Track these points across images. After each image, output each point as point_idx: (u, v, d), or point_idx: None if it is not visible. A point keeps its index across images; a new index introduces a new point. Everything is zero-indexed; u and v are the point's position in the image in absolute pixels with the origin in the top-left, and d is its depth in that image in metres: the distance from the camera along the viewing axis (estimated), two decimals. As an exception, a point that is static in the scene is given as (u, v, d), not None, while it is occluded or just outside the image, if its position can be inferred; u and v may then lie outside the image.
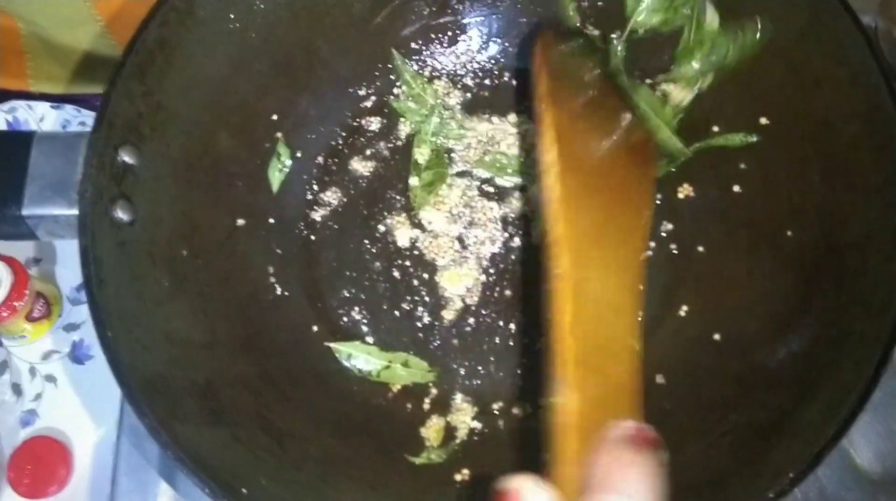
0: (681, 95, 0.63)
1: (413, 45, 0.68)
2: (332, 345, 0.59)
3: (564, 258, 0.43)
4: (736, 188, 0.61)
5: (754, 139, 0.60)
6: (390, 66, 0.67)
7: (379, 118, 0.67)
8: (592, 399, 0.40)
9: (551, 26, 0.63)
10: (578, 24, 0.65)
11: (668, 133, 0.62)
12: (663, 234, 0.63)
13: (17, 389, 0.70)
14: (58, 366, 0.71)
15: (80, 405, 0.70)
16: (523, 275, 0.63)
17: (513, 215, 0.64)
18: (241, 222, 0.61)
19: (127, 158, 0.53)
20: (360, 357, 0.59)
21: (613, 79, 0.61)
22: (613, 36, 0.64)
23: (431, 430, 0.57)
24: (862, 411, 0.45)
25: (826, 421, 0.45)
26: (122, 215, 0.52)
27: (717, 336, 0.57)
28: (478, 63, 0.69)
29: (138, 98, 0.54)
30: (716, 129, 0.62)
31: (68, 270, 0.75)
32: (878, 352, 0.46)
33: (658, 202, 0.63)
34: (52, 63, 0.77)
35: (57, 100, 0.78)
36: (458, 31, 0.68)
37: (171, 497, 0.61)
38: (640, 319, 0.44)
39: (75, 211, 0.50)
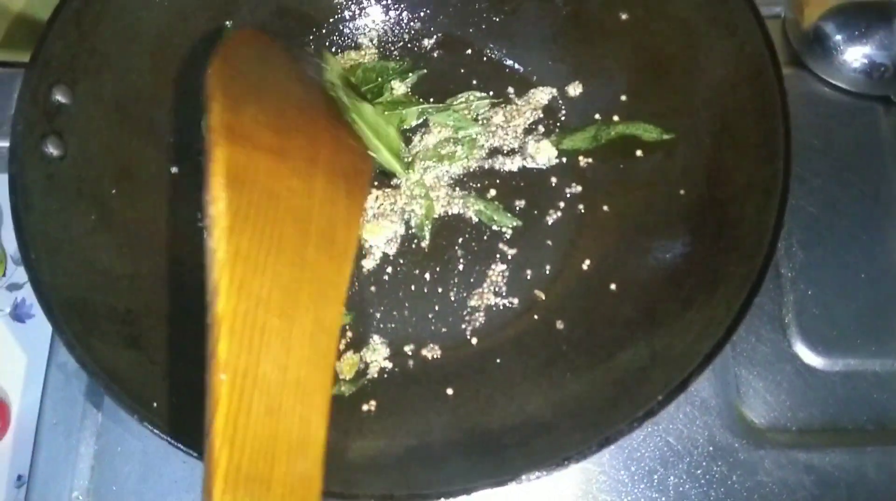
0: None
1: (346, 11, 0.71)
2: None
3: (223, 344, 0.34)
4: (638, 153, 0.65)
5: (670, 137, 0.63)
6: (324, 30, 0.71)
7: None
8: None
9: (239, 34, 0.54)
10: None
11: (387, 156, 0.63)
12: (570, 195, 0.67)
13: (-43, 344, 0.70)
14: (-1, 324, 0.72)
15: (19, 364, 0.71)
16: (440, 228, 0.66)
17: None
18: (174, 169, 0.64)
19: (60, 97, 0.55)
20: None
21: (330, 93, 0.53)
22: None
23: (345, 364, 0.60)
24: (727, 343, 0.49)
25: (695, 353, 0.49)
26: (52, 149, 0.55)
27: (613, 286, 0.61)
28: (408, 33, 0.72)
29: (73, 41, 0.56)
30: (616, 118, 0.67)
31: (12, 231, 0.76)
32: (745, 290, 0.50)
33: (564, 167, 0.67)
34: (1, 29, 0.75)
35: (7, 66, 0.75)
36: (390, 0, 0.72)
37: (92, 454, 0.62)
38: (329, 394, 0.36)
39: (6, 143, 0.53)
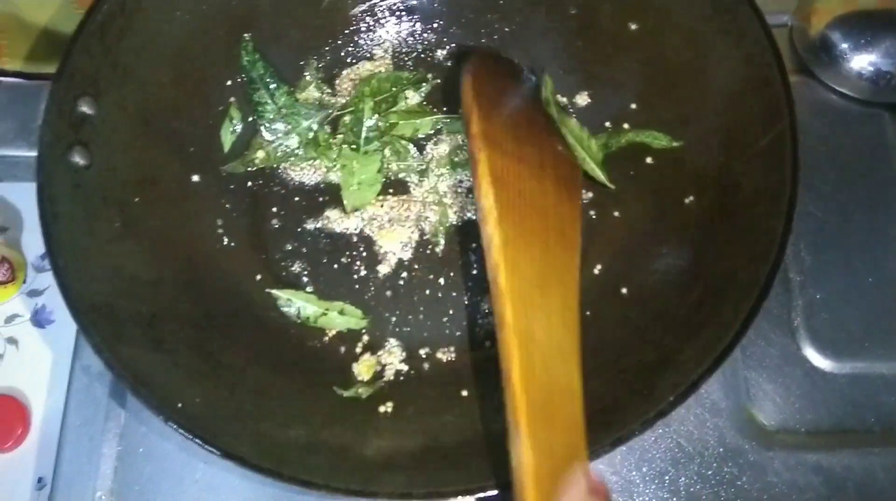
0: None
1: (361, 23, 0.73)
2: (272, 292, 0.63)
3: (509, 311, 0.41)
4: (648, 160, 0.66)
5: (679, 145, 0.64)
6: (339, 41, 0.72)
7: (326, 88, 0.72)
8: (545, 451, 0.39)
9: (479, 53, 0.63)
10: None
11: (592, 165, 0.66)
12: (584, 201, 0.67)
13: (-22, 350, 0.72)
14: (20, 329, 0.73)
15: (40, 368, 0.71)
16: (454, 234, 0.68)
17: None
18: (195, 177, 0.66)
19: (85, 108, 0.57)
20: (299, 304, 0.63)
21: (545, 109, 0.60)
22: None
23: (363, 365, 0.61)
24: (737, 346, 0.50)
25: (705, 356, 0.50)
26: (78, 159, 0.56)
27: (624, 290, 0.62)
28: (421, 44, 0.74)
29: (98, 55, 0.58)
30: (626, 125, 0.68)
31: (34, 238, 0.76)
32: (754, 294, 0.51)
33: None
34: (27, 42, 0.79)
35: (16, 76, 0.78)
36: (404, 12, 0.73)
37: (115, 456, 0.63)
38: (579, 356, 0.43)
39: (34, 153, 0.55)
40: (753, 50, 0.58)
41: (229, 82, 0.68)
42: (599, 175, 0.66)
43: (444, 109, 0.71)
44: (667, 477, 0.62)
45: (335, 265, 0.66)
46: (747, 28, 0.59)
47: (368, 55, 0.73)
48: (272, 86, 0.69)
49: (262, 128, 0.69)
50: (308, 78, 0.71)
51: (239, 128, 0.69)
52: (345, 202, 0.68)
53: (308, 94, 0.71)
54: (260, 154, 0.68)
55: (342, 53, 0.73)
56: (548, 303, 0.42)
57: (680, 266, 0.59)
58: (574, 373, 0.42)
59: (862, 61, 0.72)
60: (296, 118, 0.68)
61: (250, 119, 0.69)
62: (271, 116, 0.69)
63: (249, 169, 0.68)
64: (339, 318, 0.63)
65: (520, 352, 0.40)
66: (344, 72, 0.73)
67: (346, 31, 0.73)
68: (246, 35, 0.68)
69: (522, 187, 0.44)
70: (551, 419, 0.40)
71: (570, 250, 0.46)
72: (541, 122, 0.52)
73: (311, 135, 0.68)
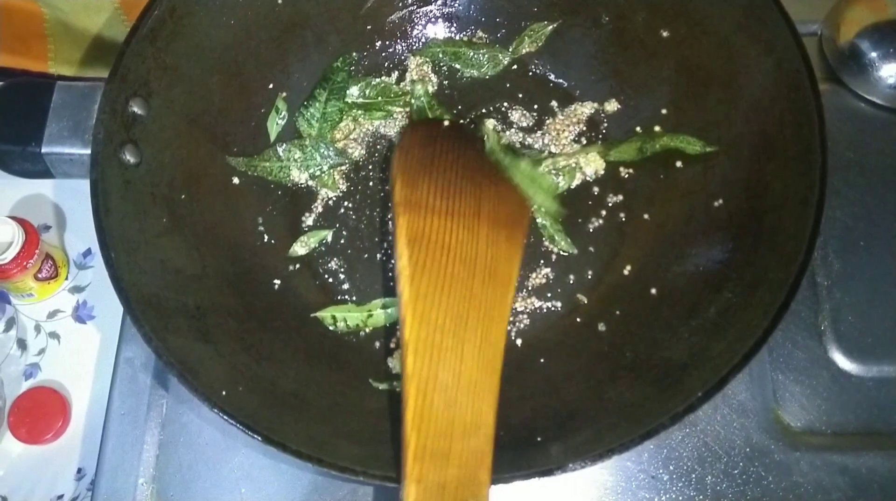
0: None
1: (399, 30, 0.75)
2: (318, 315, 0.65)
3: (409, 360, 0.43)
4: (678, 164, 0.67)
5: (713, 150, 0.65)
6: (377, 46, 0.74)
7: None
8: (431, 488, 0.41)
9: (418, 123, 0.68)
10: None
11: (543, 199, 0.68)
12: (611, 204, 0.70)
13: (22, 344, 0.75)
14: (62, 325, 0.76)
15: (81, 362, 0.74)
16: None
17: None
18: (235, 180, 0.68)
19: (136, 108, 0.59)
20: (344, 318, 0.65)
21: (490, 157, 0.62)
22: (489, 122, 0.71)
23: (398, 359, 0.63)
24: (764, 344, 0.51)
25: (734, 354, 0.51)
26: (129, 157, 0.59)
27: (653, 291, 0.63)
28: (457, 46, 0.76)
29: (149, 58, 0.60)
30: (658, 128, 0.69)
31: (76, 237, 0.80)
32: (782, 295, 0.52)
33: (606, 177, 0.70)
34: (72, 46, 0.82)
35: (71, 80, 0.83)
36: (440, 18, 0.75)
37: (157, 444, 0.66)
38: (497, 390, 0.45)
39: (88, 151, 0.57)
40: (783, 57, 0.59)
41: (271, 85, 0.71)
42: (551, 206, 0.68)
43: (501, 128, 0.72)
44: (693, 476, 0.63)
45: (371, 263, 0.68)
46: (778, 36, 0.60)
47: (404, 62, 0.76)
48: (327, 110, 0.71)
49: (279, 145, 0.71)
50: (355, 93, 0.74)
51: (284, 120, 0.71)
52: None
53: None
54: (265, 164, 0.70)
55: (379, 59, 0.75)
56: (462, 344, 0.44)
57: (709, 268, 0.60)
58: (485, 408, 0.44)
59: (891, 70, 0.73)
60: (314, 153, 0.71)
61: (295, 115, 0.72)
62: (300, 133, 0.71)
63: (250, 172, 0.70)
64: (383, 313, 0.65)
65: (414, 400, 0.42)
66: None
67: (384, 38, 0.75)
68: (354, 54, 0.73)
69: (447, 240, 0.47)
70: (446, 456, 0.42)
71: (503, 287, 0.48)
72: (482, 171, 0.54)
73: (316, 173, 0.71)
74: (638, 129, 0.70)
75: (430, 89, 0.74)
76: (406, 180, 0.49)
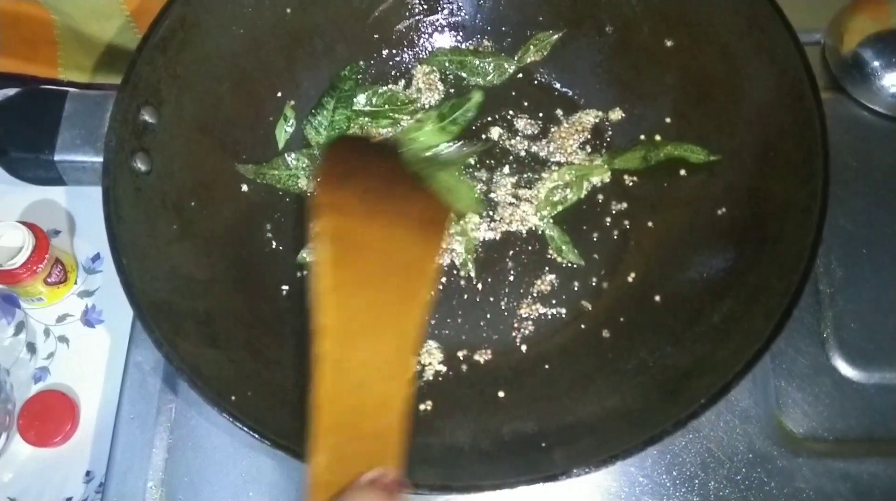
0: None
1: (405, 38, 0.76)
2: None
3: (325, 344, 0.45)
4: (682, 172, 0.68)
5: (716, 159, 0.66)
6: (384, 54, 0.75)
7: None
8: (342, 458, 0.43)
9: (341, 139, 0.70)
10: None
11: (464, 206, 0.70)
12: (615, 212, 0.70)
13: (31, 347, 0.75)
14: (70, 329, 0.76)
15: (89, 366, 0.74)
16: (492, 241, 0.70)
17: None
18: (244, 187, 0.69)
19: (147, 117, 0.60)
20: None
21: (409, 168, 0.63)
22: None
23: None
24: (767, 351, 0.52)
25: (737, 361, 0.52)
26: (140, 164, 0.59)
27: (657, 298, 0.64)
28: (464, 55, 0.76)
29: (160, 67, 0.61)
30: (658, 138, 0.70)
31: (85, 241, 0.80)
32: (785, 303, 0.53)
33: (610, 185, 0.71)
34: (81, 53, 0.82)
35: (83, 88, 0.83)
36: (446, 27, 0.76)
37: (166, 448, 0.66)
38: (410, 373, 0.48)
39: (100, 159, 0.58)
40: (786, 67, 0.60)
41: (280, 93, 0.72)
42: (471, 209, 0.70)
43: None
44: (696, 481, 0.64)
45: (377, 270, 0.69)
46: (780, 45, 0.60)
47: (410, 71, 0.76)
48: (335, 118, 0.72)
49: (288, 154, 0.71)
50: (362, 101, 0.74)
51: (292, 128, 0.72)
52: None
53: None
54: (274, 173, 0.71)
55: (386, 68, 0.76)
56: (375, 332, 0.47)
57: (712, 275, 0.61)
58: (396, 389, 0.46)
59: (893, 79, 0.74)
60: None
61: (303, 123, 0.73)
62: (308, 140, 0.72)
63: (259, 180, 0.70)
64: None
65: (324, 381, 0.44)
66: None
67: (392, 47, 0.76)
68: (361, 63, 0.73)
69: (366, 238, 0.49)
70: (355, 430, 0.44)
71: (417, 285, 0.50)
72: (401, 180, 0.56)
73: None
74: (642, 137, 0.71)
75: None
76: (328, 187, 0.51)
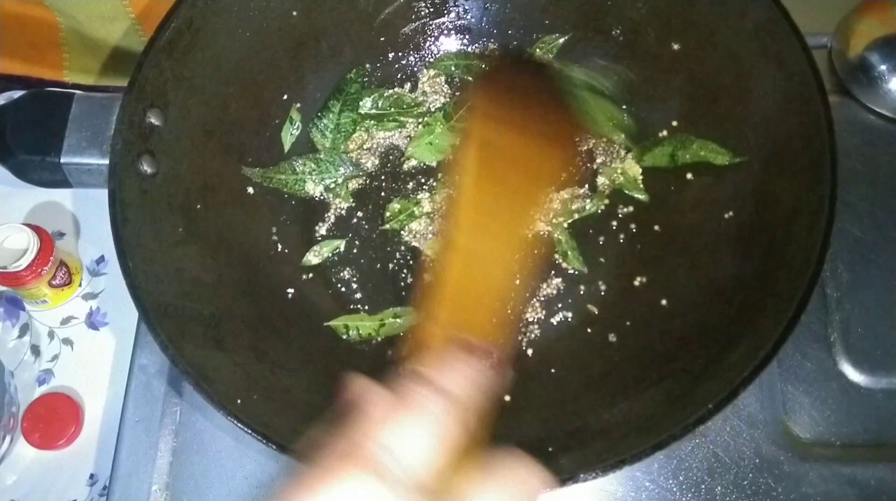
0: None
1: (412, 41, 0.76)
2: (330, 324, 0.66)
3: (460, 235, 0.48)
4: (689, 176, 0.68)
5: (742, 160, 0.65)
6: (390, 57, 0.75)
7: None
8: (453, 326, 0.45)
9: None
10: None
11: (607, 130, 0.71)
12: (622, 215, 0.70)
13: (35, 350, 0.75)
14: (75, 331, 0.76)
15: (93, 368, 0.75)
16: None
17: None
18: (250, 190, 0.69)
19: (153, 119, 0.60)
20: (357, 327, 0.66)
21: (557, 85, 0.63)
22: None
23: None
24: (775, 356, 0.51)
25: (744, 366, 0.52)
26: (146, 167, 0.59)
27: (664, 302, 0.64)
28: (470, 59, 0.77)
29: (166, 69, 0.61)
30: (664, 133, 0.70)
31: (90, 244, 0.80)
32: (793, 307, 0.52)
33: (618, 189, 0.71)
34: (87, 56, 0.83)
35: (89, 90, 0.82)
36: (453, 31, 0.76)
37: (171, 451, 0.66)
38: (520, 273, 0.49)
39: (106, 161, 0.58)
40: (793, 70, 0.60)
41: (286, 96, 0.72)
42: (623, 124, 0.71)
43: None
44: (703, 486, 0.64)
45: (383, 273, 0.69)
46: (787, 49, 0.60)
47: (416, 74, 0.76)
48: (341, 121, 0.72)
49: (294, 159, 0.72)
50: (368, 104, 0.74)
51: (298, 131, 0.72)
52: (408, 149, 0.72)
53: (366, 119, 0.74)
54: (281, 177, 0.71)
55: (392, 70, 0.76)
56: (500, 229, 0.49)
57: (719, 279, 0.61)
58: (509, 285, 0.48)
59: (900, 83, 0.74)
60: (328, 166, 0.71)
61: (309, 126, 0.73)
62: (314, 143, 0.72)
63: (265, 184, 0.70)
64: (395, 322, 0.66)
65: (454, 266, 0.47)
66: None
67: (398, 49, 0.76)
68: (367, 66, 0.74)
69: (505, 144, 0.52)
70: (466, 309, 0.46)
71: (540, 189, 0.53)
72: (550, 96, 0.57)
73: (331, 185, 0.72)
74: (664, 133, 0.71)
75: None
76: (485, 94, 0.54)
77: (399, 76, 0.76)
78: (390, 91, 0.74)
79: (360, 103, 0.73)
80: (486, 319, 0.46)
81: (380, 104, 0.74)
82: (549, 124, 0.54)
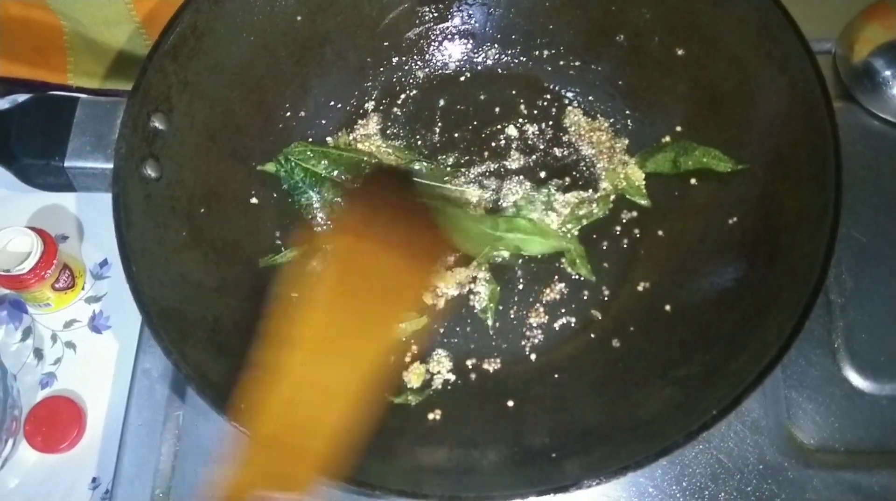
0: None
1: (416, 46, 0.76)
2: None
3: (294, 354, 0.46)
4: (693, 181, 0.68)
5: (744, 167, 0.65)
6: (394, 62, 0.75)
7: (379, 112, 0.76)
8: (262, 474, 0.43)
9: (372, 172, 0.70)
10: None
11: (471, 247, 0.68)
12: (626, 220, 0.70)
13: (38, 353, 0.75)
14: (78, 334, 0.76)
15: (96, 371, 0.75)
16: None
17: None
18: (254, 195, 0.69)
19: (157, 123, 0.60)
20: None
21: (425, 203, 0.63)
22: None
23: (413, 373, 0.64)
24: (779, 363, 0.51)
25: (748, 372, 0.52)
26: (150, 171, 0.59)
27: (668, 308, 0.63)
28: (474, 65, 0.77)
29: (170, 74, 0.61)
30: (667, 139, 0.70)
31: (93, 247, 0.80)
32: (797, 314, 0.52)
33: (622, 194, 0.71)
34: (91, 59, 0.83)
35: (93, 94, 0.84)
36: (457, 35, 0.76)
37: (173, 455, 0.66)
38: (356, 404, 0.47)
39: (110, 165, 0.58)
40: (798, 76, 0.59)
41: (290, 101, 0.72)
42: (479, 250, 0.69)
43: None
44: (707, 492, 0.64)
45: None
46: (792, 54, 0.60)
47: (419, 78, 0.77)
48: (314, 188, 0.71)
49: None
50: (370, 108, 0.75)
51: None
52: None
53: (370, 128, 0.74)
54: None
55: (395, 78, 0.76)
56: (344, 352, 0.47)
57: (724, 285, 0.61)
58: (338, 411, 0.45)
59: (905, 88, 0.74)
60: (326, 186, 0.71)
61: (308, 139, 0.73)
62: (318, 206, 0.71)
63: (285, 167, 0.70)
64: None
65: (278, 390, 0.44)
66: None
67: (402, 54, 0.76)
68: (286, 149, 0.71)
69: (362, 261, 0.49)
70: (285, 447, 0.44)
71: (395, 308, 0.51)
72: (415, 211, 0.56)
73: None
74: (666, 139, 0.71)
75: None
76: (352, 211, 0.54)
77: (405, 81, 0.76)
78: (335, 152, 0.73)
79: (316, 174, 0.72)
80: (299, 459, 0.44)
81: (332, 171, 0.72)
82: (410, 235, 0.52)
